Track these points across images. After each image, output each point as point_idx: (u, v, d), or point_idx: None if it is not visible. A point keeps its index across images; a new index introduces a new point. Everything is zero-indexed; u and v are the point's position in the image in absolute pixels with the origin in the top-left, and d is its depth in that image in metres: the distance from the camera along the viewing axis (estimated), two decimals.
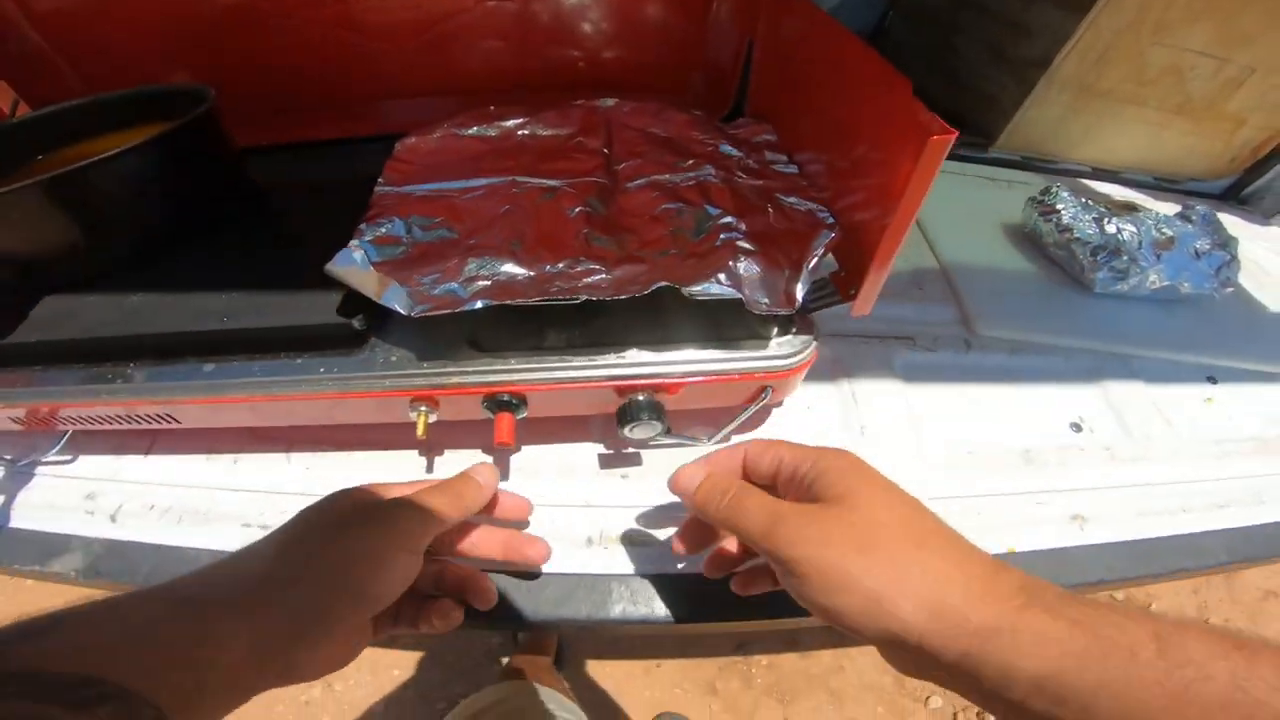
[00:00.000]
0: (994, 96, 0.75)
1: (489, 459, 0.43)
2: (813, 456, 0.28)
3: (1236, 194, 0.82)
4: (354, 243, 0.38)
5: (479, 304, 0.34)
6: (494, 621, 0.36)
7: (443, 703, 1.21)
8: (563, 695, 0.68)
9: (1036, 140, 0.77)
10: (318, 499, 0.31)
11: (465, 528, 0.36)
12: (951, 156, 0.75)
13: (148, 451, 0.45)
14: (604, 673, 1.26)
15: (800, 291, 0.35)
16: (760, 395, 0.38)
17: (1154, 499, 0.44)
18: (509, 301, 0.34)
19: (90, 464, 0.45)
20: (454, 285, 0.35)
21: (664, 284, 0.34)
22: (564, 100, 0.54)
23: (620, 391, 0.37)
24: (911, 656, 0.24)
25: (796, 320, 0.39)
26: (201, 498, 0.42)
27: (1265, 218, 0.80)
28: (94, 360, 0.38)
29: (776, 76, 0.52)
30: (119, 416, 0.39)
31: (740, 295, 0.34)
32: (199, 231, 0.46)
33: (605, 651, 1.28)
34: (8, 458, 0.44)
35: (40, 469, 0.44)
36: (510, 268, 0.36)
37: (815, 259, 0.36)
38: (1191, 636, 0.19)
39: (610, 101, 0.54)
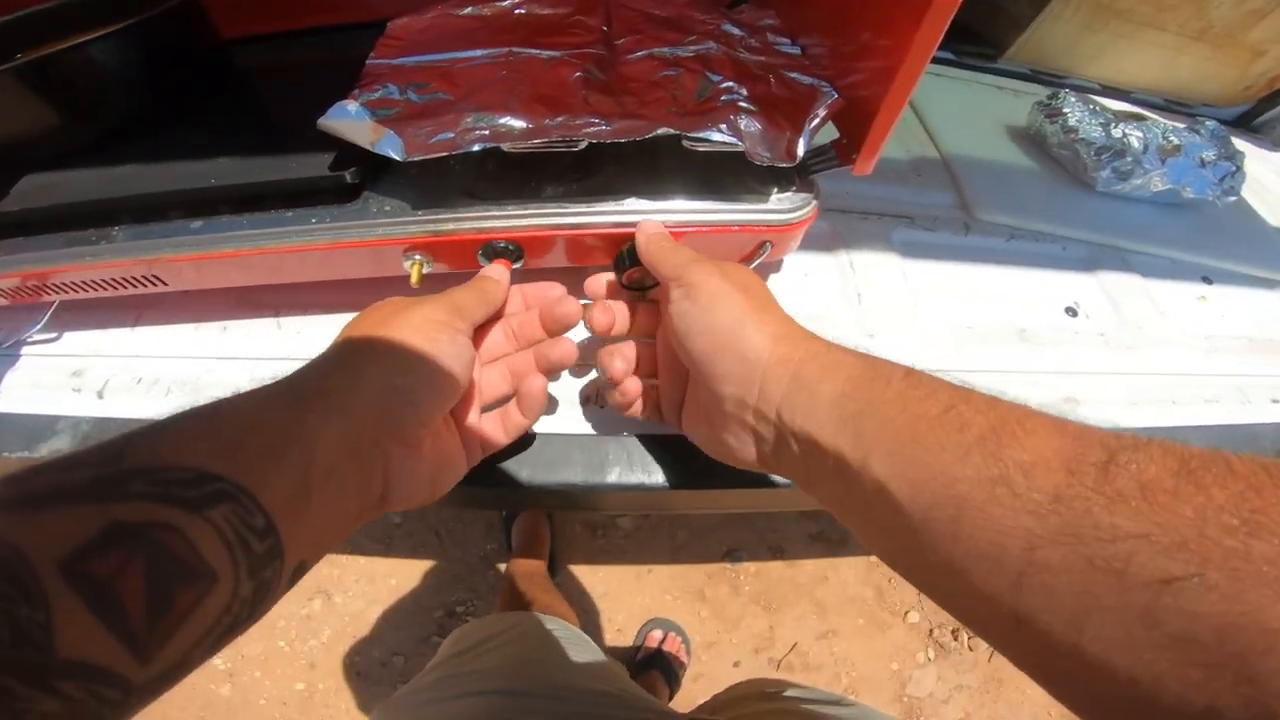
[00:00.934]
0: (1007, 9, 0.72)
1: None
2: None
3: (1248, 122, 0.81)
4: (348, 100, 0.36)
5: (476, 147, 0.33)
6: (492, 488, 0.36)
7: (440, 610, 1.25)
8: (562, 600, 0.69)
9: (1047, 55, 0.75)
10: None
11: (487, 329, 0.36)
12: (959, 64, 0.74)
13: (135, 324, 0.44)
14: (595, 578, 1.29)
15: (801, 146, 0.34)
16: (759, 251, 0.38)
17: (1145, 389, 0.44)
18: (508, 146, 0.33)
19: (75, 340, 0.43)
20: (450, 134, 0.34)
21: (665, 129, 0.33)
22: None
23: (619, 240, 0.36)
24: (746, 389, 0.28)
25: (797, 180, 0.38)
26: (190, 368, 0.41)
27: (1276, 146, 0.79)
28: (78, 225, 0.37)
29: None
30: (105, 281, 0.38)
31: (741, 146, 0.33)
32: (182, 114, 0.44)
33: (597, 556, 1.31)
34: None
35: (25, 349, 0.43)
36: (509, 120, 0.35)
37: (817, 119, 0.35)
38: (930, 377, 0.24)
39: None
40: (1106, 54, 0.73)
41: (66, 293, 0.39)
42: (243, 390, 0.24)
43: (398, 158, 0.33)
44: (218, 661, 1.19)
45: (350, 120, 0.35)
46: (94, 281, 0.38)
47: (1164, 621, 0.14)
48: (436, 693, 0.47)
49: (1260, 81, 0.75)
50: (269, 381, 0.25)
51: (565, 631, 0.61)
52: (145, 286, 0.39)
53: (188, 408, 0.22)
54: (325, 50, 0.53)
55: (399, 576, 1.28)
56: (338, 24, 0.55)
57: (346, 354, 0.28)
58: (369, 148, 0.34)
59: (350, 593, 1.27)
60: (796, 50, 0.44)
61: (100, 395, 0.40)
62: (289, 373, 0.26)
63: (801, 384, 0.26)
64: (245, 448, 0.21)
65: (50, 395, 0.40)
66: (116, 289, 0.39)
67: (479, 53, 0.43)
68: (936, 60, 0.73)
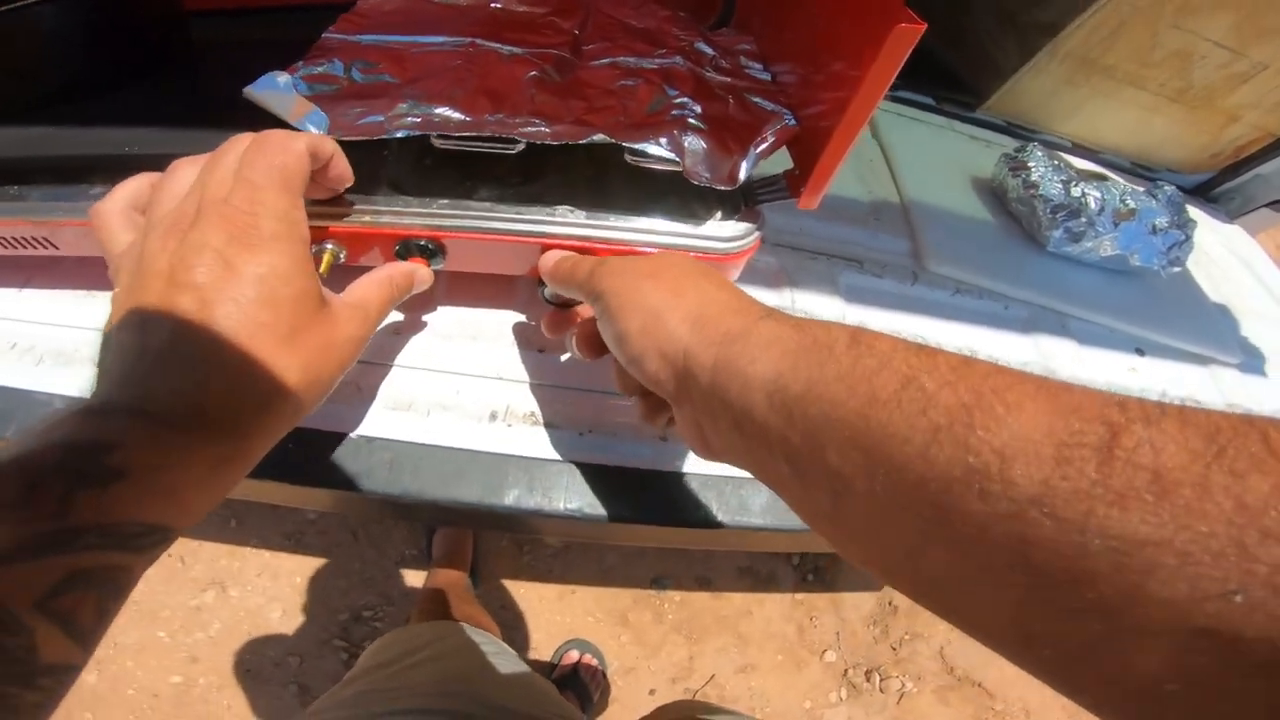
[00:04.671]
0: (993, 58, 0.76)
1: (400, 316, 0.43)
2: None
3: (1208, 190, 0.86)
4: (281, 72, 0.37)
5: (401, 134, 0.34)
6: (375, 500, 0.36)
7: (346, 613, 1.24)
8: (484, 614, 0.70)
9: (1025, 107, 0.79)
10: None
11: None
12: (937, 110, 0.78)
13: (23, 286, 0.43)
14: (518, 594, 1.30)
15: (744, 170, 0.35)
16: None
17: None
18: (436, 138, 0.34)
19: None
20: (380, 118, 0.35)
21: (601, 136, 0.34)
22: None
23: (545, 250, 0.37)
24: (678, 383, 0.27)
25: (742, 209, 0.39)
26: (69, 338, 0.40)
27: (1229, 217, 0.84)
28: None
29: None
30: (7, 239, 0.37)
31: (679, 163, 0.35)
32: (121, 84, 0.44)
33: (521, 572, 1.32)
34: None
35: None
36: (445, 111, 0.36)
37: (765, 144, 0.36)
38: (882, 338, 0.21)
39: None
40: (1083, 111, 0.77)
41: None
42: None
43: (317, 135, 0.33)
44: None
45: (277, 92, 0.35)
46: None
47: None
48: (359, 709, 0.46)
49: (1229, 149, 0.80)
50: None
51: (493, 646, 0.61)
52: (35, 248, 0.38)
53: (107, 425, 0.23)
54: (289, 29, 0.52)
55: (305, 574, 1.26)
56: (308, 4, 0.55)
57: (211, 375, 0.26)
58: (291, 123, 0.34)
59: (249, 587, 1.24)
60: (767, 76, 0.46)
61: None
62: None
63: (731, 370, 0.24)
64: (182, 499, 0.24)
65: None
66: (6, 248, 0.38)
67: (441, 39, 0.43)
68: (915, 104, 0.78)
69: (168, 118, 0.39)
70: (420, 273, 0.36)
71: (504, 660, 0.59)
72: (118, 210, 0.30)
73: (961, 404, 0.17)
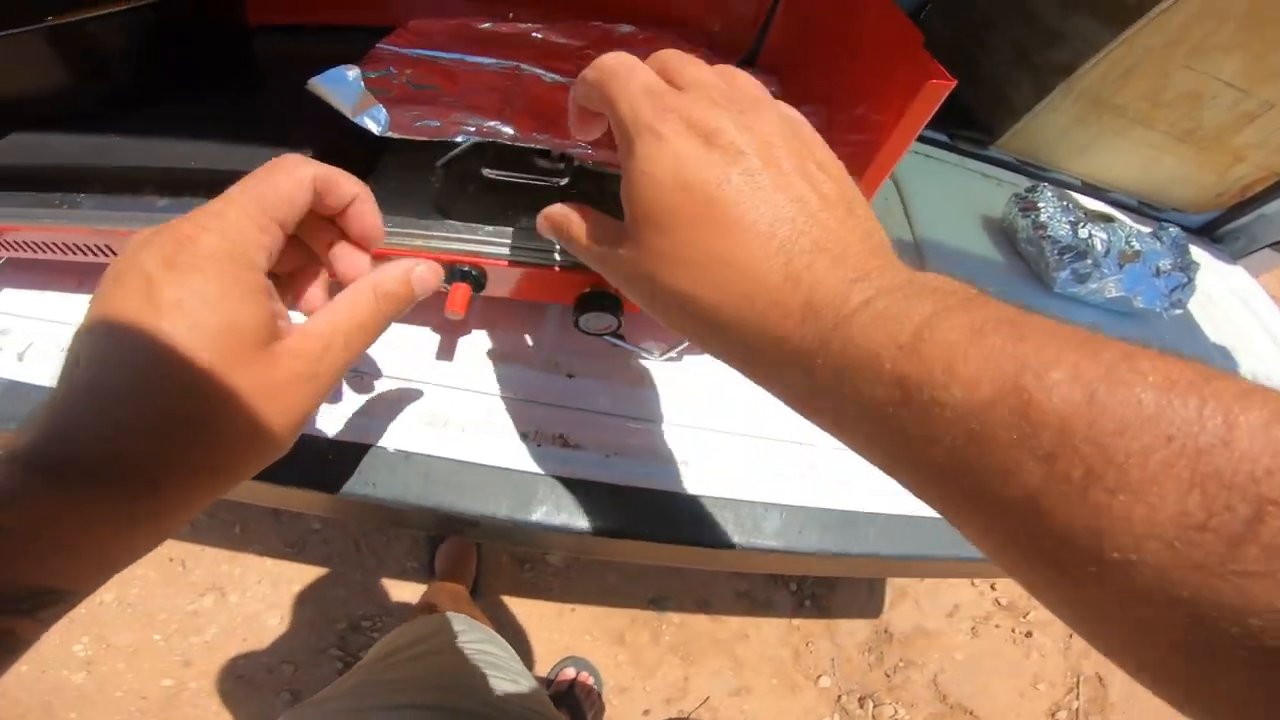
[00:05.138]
0: (1007, 96, 0.78)
1: (438, 337, 0.45)
2: None
3: (1212, 230, 0.88)
4: (348, 66, 0.39)
5: (460, 138, 0.36)
6: (412, 519, 0.38)
7: (344, 622, 1.24)
8: (486, 624, 0.71)
9: (1037, 145, 0.81)
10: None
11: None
12: (950, 147, 0.81)
13: (76, 289, 0.45)
14: (518, 611, 1.31)
15: None
16: None
17: None
18: (485, 166, 0.36)
19: (11, 298, 0.44)
20: (438, 123, 0.37)
21: None
22: (582, 20, 0.56)
23: (584, 281, 0.39)
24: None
25: None
26: None
27: (1233, 258, 0.86)
28: (48, 188, 0.39)
29: (796, 33, 0.54)
30: (58, 244, 0.39)
31: None
32: (190, 93, 0.46)
33: (522, 589, 1.33)
34: None
35: None
36: (498, 124, 0.38)
37: None
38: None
39: (627, 28, 0.56)
40: (1093, 150, 0.80)
41: (14, 250, 0.40)
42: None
43: (376, 130, 0.36)
44: (76, 647, 1.17)
45: (344, 86, 0.37)
46: (46, 244, 0.39)
47: None
48: (356, 701, 0.47)
49: (1234, 188, 0.82)
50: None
51: (491, 644, 0.62)
52: (95, 256, 0.40)
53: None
54: (340, 48, 0.55)
55: (306, 582, 1.27)
56: (358, 25, 0.57)
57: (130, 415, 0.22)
58: (352, 118, 0.36)
59: (249, 593, 1.25)
60: None
61: (20, 358, 0.41)
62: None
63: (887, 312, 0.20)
64: (85, 560, 0.22)
65: None
66: (67, 254, 0.40)
67: (488, 60, 0.47)
68: (929, 141, 0.80)
69: (230, 133, 0.40)
70: (419, 272, 0.30)
71: (501, 659, 0.60)
72: None
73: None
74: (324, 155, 0.38)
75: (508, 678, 0.56)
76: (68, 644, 1.17)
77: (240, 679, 1.18)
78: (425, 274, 0.30)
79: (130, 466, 0.21)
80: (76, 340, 0.23)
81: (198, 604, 1.23)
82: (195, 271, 0.22)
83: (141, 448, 0.22)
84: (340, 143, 0.39)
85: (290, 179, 0.26)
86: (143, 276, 0.22)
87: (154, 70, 0.44)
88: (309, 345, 0.25)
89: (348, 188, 0.28)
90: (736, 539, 0.42)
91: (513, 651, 0.66)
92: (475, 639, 0.62)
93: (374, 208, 0.29)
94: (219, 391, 0.22)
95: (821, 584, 1.45)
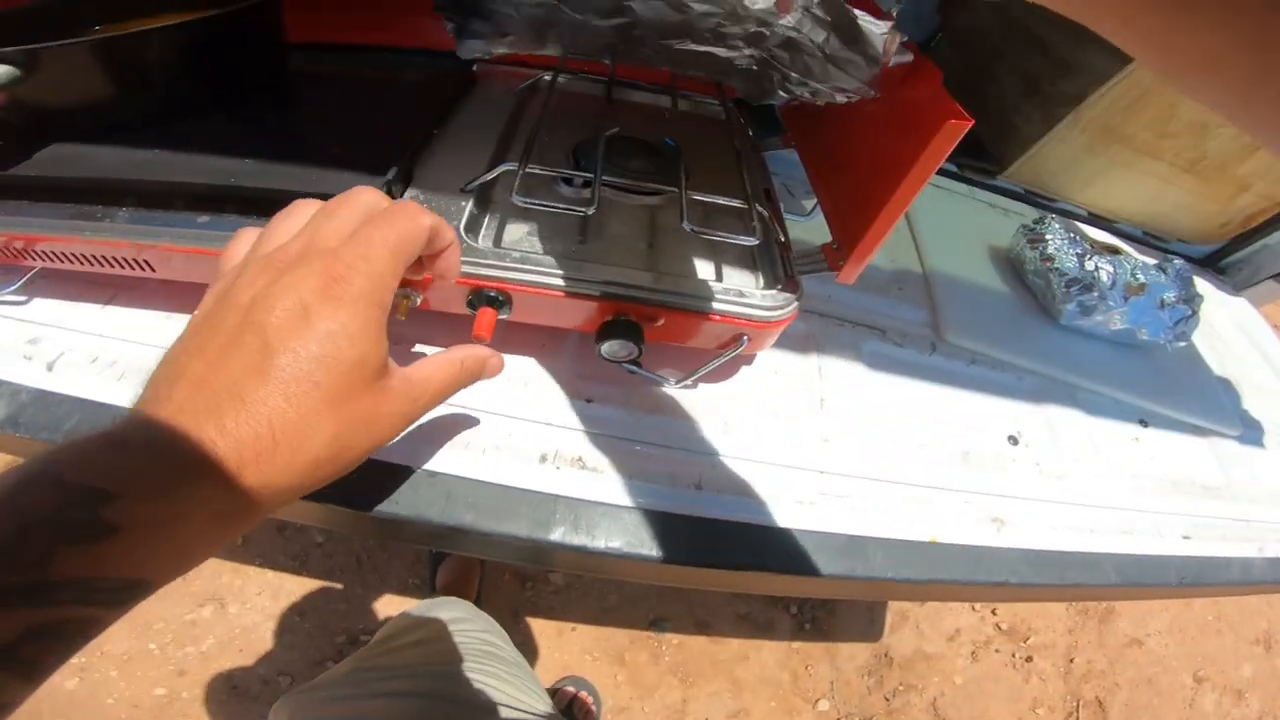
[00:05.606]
0: (1017, 126, 0.80)
1: None
2: None
3: (1216, 261, 0.90)
4: None
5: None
6: (430, 537, 0.39)
7: (343, 636, 1.25)
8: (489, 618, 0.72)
9: (1045, 175, 0.83)
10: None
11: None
12: (960, 177, 0.83)
13: (107, 303, 0.46)
14: (517, 629, 1.31)
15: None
16: (736, 343, 0.42)
17: (1067, 517, 0.51)
18: (514, 194, 0.40)
19: (43, 308, 0.45)
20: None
21: None
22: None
23: (605, 310, 0.40)
24: None
25: (783, 279, 0.43)
26: (151, 356, 0.43)
27: (1236, 289, 0.88)
28: (87, 200, 0.40)
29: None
30: (96, 257, 0.41)
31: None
32: (229, 108, 0.48)
33: (523, 608, 1.34)
34: None
35: None
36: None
37: None
38: None
39: None
40: (1100, 180, 0.82)
41: (51, 261, 0.42)
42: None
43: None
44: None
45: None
46: (83, 255, 0.41)
47: None
48: (349, 689, 0.48)
49: (1238, 218, 0.84)
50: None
51: (492, 634, 0.63)
52: (132, 269, 0.41)
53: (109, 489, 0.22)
54: (374, 68, 0.58)
55: (306, 595, 1.28)
56: (399, 46, 0.60)
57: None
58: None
59: (248, 604, 1.26)
60: None
61: (50, 368, 0.42)
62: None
63: None
64: (171, 555, 0.23)
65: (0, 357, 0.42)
66: (103, 267, 0.41)
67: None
68: (939, 171, 0.81)
69: (268, 150, 0.42)
70: (493, 361, 0.37)
71: (501, 648, 0.60)
72: (245, 238, 0.31)
73: None
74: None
75: (507, 668, 0.57)
76: None
77: (235, 690, 1.18)
78: (496, 364, 0.37)
79: (240, 464, 0.24)
80: (201, 336, 0.26)
81: (196, 614, 1.23)
82: (345, 308, 0.26)
83: (249, 452, 0.24)
84: (375, 161, 0.40)
85: (417, 227, 0.29)
86: (300, 303, 0.26)
87: (196, 84, 0.46)
88: (410, 389, 0.30)
89: (448, 235, 0.32)
90: (744, 560, 0.43)
91: (507, 637, 0.67)
92: (476, 628, 0.62)
93: (459, 249, 0.34)
94: (338, 414, 0.26)
95: (822, 607, 1.46)
